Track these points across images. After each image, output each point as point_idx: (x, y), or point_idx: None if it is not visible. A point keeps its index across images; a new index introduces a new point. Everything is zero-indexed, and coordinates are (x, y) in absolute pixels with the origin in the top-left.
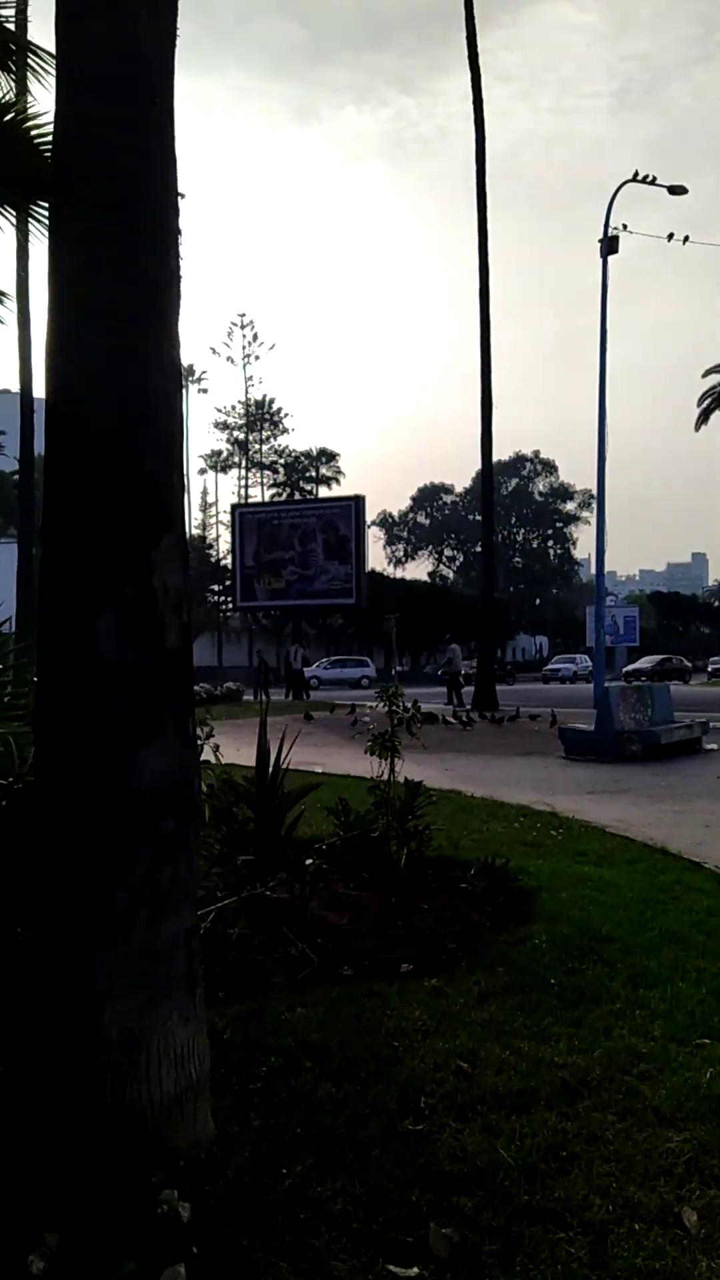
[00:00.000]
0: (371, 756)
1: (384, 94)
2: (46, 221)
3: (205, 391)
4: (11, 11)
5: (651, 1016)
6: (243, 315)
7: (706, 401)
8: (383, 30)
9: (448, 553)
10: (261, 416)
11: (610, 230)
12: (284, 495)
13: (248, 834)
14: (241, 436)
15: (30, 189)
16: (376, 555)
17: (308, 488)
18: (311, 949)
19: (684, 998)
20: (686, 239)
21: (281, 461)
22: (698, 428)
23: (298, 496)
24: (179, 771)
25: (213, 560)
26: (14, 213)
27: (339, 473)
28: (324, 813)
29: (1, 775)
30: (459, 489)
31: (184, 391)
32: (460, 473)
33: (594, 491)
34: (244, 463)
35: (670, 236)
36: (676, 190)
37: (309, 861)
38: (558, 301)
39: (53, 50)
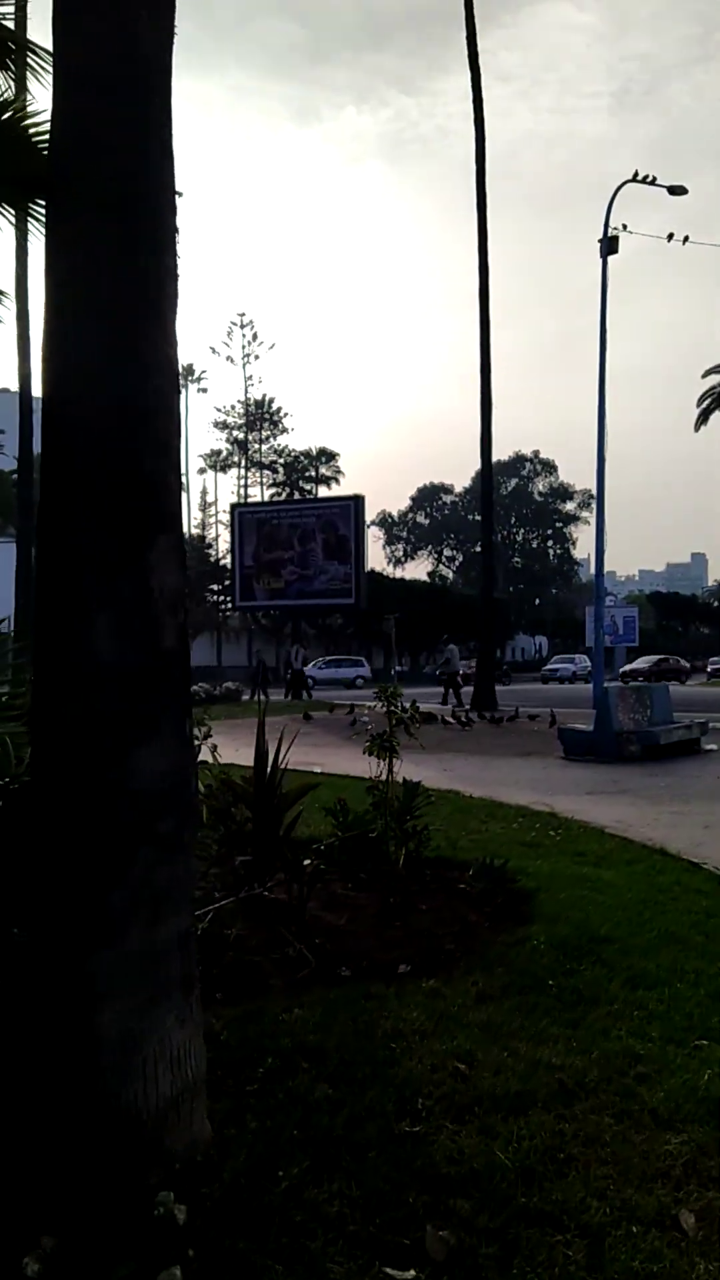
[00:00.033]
0: (370, 757)
1: (384, 94)
2: (45, 220)
3: (205, 391)
4: (10, 9)
5: (649, 1018)
6: (242, 315)
7: (706, 402)
8: (383, 30)
9: (447, 553)
10: (261, 416)
11: (610, 230)
12: (283, 495)
13: (246, 834)
14: (241, 436)
15: (29, 188)
16: (376, 555)
17: (307, 487)
18: (309, 950)
19: (682, 999)
20: (686, 239)
21: (281, 461)
22: (697, 428)
23: (297, 496)
24: (176, 772)
25: (212, 560)
26: (13, 211)
27: (338, 472)
28: (322, 813)
29: None
30: (459, 489)
31: (183, 391)
32: (460, 473)
33: (594, 491)
34: (243, 462)
35: (670, 236)
36: (676, 190)
37: (307, 862)
38: (557, 302)
39: (51, 49)
